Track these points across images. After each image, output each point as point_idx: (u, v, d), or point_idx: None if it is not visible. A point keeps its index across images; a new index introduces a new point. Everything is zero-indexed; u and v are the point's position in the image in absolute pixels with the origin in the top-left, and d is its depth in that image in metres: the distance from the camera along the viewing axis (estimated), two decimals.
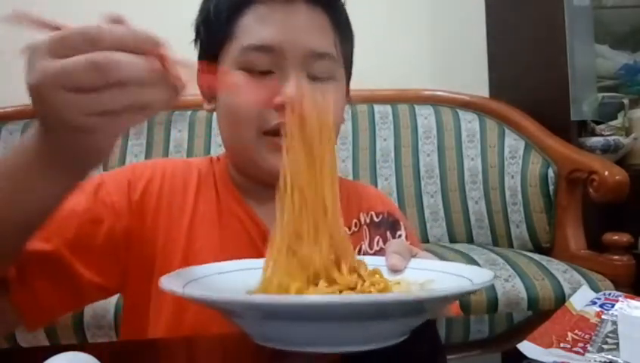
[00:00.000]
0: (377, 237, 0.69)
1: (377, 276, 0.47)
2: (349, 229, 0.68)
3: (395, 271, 0.50)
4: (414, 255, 0.53)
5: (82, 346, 0.45)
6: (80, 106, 0.37)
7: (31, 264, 0.54)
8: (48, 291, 0.56)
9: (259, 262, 0.50)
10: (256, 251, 0.63)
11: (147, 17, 1.94)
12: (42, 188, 0.45)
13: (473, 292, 0.43)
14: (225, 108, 0.64)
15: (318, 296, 0.41)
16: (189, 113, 1.73)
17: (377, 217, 0.71)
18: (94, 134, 0.40)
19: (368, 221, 0.70)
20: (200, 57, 0.68)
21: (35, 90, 0.38)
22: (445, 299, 0.45)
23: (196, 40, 0.68)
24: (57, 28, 0.39)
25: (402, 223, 0.73)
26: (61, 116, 0.38)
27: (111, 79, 0.36)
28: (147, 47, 0.38)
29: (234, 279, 0.49)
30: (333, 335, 0.39)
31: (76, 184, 0.47)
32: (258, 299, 0.40)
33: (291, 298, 0.40)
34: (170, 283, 0.43)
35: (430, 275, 0.49)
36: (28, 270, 0.55)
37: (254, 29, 0.61)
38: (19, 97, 1.78)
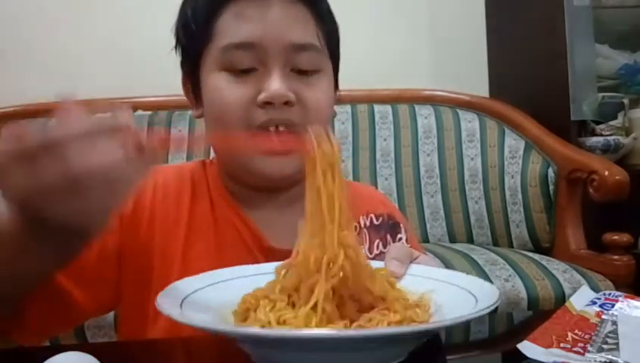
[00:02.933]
0: (377, 240, 0.68)
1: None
2: None
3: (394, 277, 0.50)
4: (414, 259, 0.52)
5: (82, 346, 0.45)
6: (69, 207, 0.38)
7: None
8: (39, 316, 0.55)
9: (253, 269, 0.51)
10: (252, 256, 0.62)
11: (136, 22, 1.93)
12: (32, 263, 0.45)
13: (475, 318, 0.41)
14: (211, 113, 0.63)
15: (315, 330, 0.40)
16: (189, 112, 1.73)
17: (377, 220, 0.70)
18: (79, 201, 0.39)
19: (368, 224, 0.69)
20: (182, 63, 0.67)
21: (20, 205, 0.39)
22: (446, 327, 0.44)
23: (176, 46, 0.66)
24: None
25: (402, 225, 0.72)
26: (54, 218, 0.39)
27: (96, 183, 0.37)
28: (115, 128, 0.38)
29: (230, 287, 0.49)
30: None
31: (74, 255, 0.47)
32: (252, 331, 0.39)
33: (285, 332, 0.39)
34: (167, 304, 0.42)
35: (431, 285, 0.48)
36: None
37: (232, 27, 0.60)
38: (19, 97, 1.78)
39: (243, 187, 0.66)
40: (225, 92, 0.60)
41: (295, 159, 0.59)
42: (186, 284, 0.47)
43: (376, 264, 0.50)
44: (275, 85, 0.58)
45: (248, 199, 0.65)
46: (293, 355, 0.39)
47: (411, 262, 0.52)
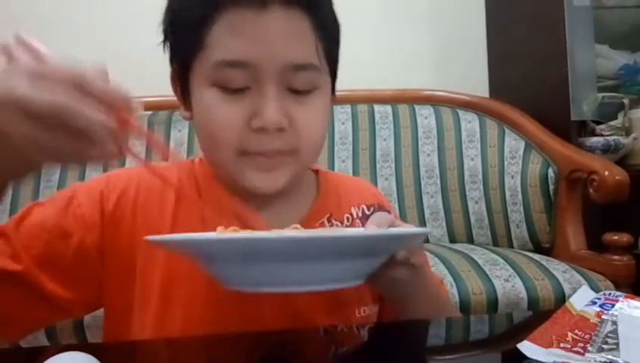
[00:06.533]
0: None
1: None
2: (342, 224, 0.67)
3: None
4: (396, 226, 0.53)
5: (82, 346, 0.45)
6: (28, 133, 0.39)
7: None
8: (15, 309, 0.56)
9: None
10: None
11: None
12: None
13: (417, 234, 0.52)
14: (201, 126, 0.60)
15: (294, 232, 0.46)
16: None
17: (369, 210, 0.70)
18: (22, 160, 0.42)
19: (360, 214, 0.69)
20: (171, 61, 0.63)
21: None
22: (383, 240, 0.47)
23: (164, 42, 0.62)
24: (42, 55, 0.41)
25: (392, 214, 0.72)
26: (6, 134, 0.40)
27: (65, 122, 0.38)
28: (117, 105, 0.41)
29: None
30: (299, 273, 0.42)
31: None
32: (235, 238, 0.43)
33: (265, 235, 0.43)
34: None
35: None
36: None
37: (225, 41, 0.55)
38: None
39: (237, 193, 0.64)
40: (217, 113, 0.57)
41: (286, 173, 0.59)
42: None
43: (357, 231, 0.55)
44: (270, 111, 0.55)
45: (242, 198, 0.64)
46: (261, 267, 0.42)
47: (389, 227, 0.52)
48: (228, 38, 0.55)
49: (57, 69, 0.40)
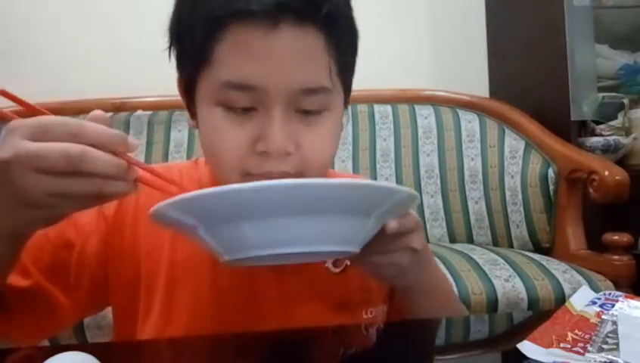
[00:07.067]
0: None
1: None
2: None
3: None
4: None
5: (82, 346, 0.45)
6: (45, 186, 0.40)
7: (12, 299, 0.55)
8: (30, 322, 0.58)
9: None
10: None
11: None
12: None
13: (407, 196, 0.46)
14: (206, 144, 0.57)
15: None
16: None
17: None
18: (46, 210, 0.42)
19: None
20: (177, 67, 0.60)
21: (5, 166, 0.39)
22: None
23: (170, 48, 0.59)
24: (37, 110, 0.43)
25: None
26: (23, 192, 0.40)
27: (81, 169, 0.39)
28: (119, 148, 0.42)
29: None
30: (296, 231, 0.41)
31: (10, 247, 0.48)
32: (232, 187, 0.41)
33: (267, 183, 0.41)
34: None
35: None
36: (10, 304, 0.56)
37: (232, 60, 0.52)
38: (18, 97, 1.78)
39: None
40: (221, 134, 0.54)
41: None
42: None
43: None
44: (275, 136, 0.51)
45: None
46: (254, 226, 0.42)
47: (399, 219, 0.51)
48: (234, 59, 0.52)
49: (56, 119, 0.40)
